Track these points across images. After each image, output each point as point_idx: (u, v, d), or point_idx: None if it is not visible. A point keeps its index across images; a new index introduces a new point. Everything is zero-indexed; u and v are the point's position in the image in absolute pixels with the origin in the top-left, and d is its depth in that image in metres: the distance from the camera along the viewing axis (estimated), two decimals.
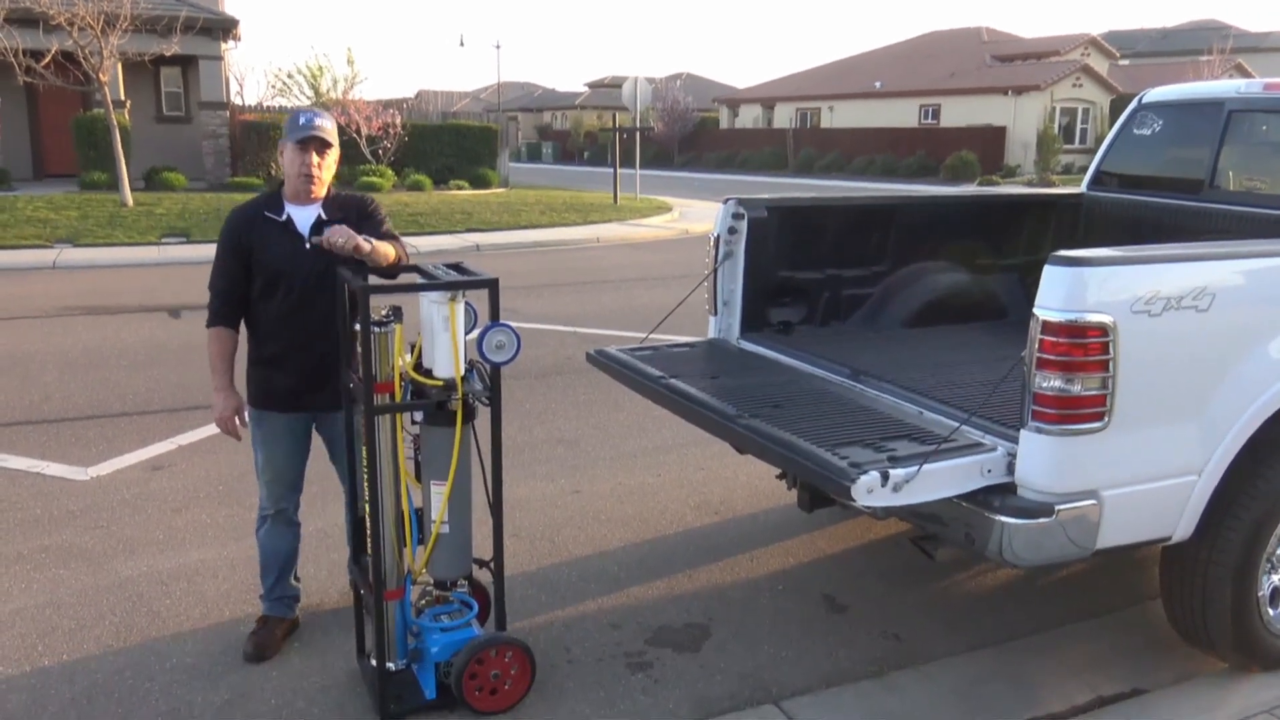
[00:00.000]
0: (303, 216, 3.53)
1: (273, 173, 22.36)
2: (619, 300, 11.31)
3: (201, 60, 22.97)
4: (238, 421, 3.61)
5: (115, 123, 17.93)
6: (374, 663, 3.31)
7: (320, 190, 3.55)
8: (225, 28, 23.23)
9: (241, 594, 4.13)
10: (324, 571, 4.35)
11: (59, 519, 4.89)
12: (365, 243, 3.27)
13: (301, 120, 3.47)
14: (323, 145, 3.47)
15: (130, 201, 17.74)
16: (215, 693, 3.43)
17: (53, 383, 7.37)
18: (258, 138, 22.71)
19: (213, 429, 6.25)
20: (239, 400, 3.62)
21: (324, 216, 3.52)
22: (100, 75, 17.47)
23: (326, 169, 3.52)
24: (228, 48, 24.00)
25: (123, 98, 20.76)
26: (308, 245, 3.47)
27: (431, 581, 3.45)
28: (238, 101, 25.98)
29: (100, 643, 3.75)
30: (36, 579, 4.26)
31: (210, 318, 3.55)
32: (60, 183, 21.47)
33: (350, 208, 3.60)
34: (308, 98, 28.03)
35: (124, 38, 17.51)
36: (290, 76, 28.52)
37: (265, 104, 26.75)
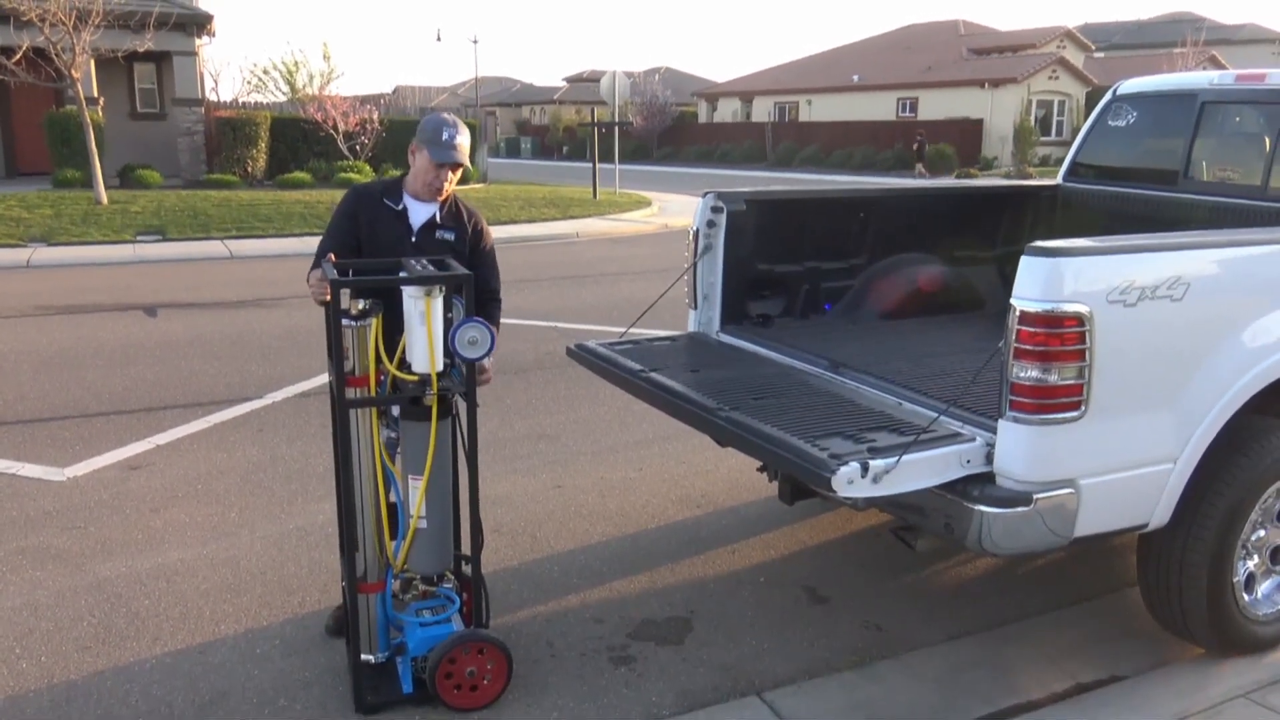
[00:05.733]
0: (419, 211, 3.62)
1: (249, 169, 22.21)
2: (599, 295, 11.29)
3: (175, 56, 22.74)
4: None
5: (89, 120, 17.69)
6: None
7: (443, 196, 3.63)
8: (199, 23, 23.01)
9: (221, 593, 4.11)
10: (304, 569, 4.33)
11: (35, 520, 4.84)
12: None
13: (444, 136, 3.51)
14: (458, 167, 3.56)
15: (104, 199, 17.55)
16: (195, 692, 3.41)
17: (27, 382, 7.29)
18: (233, 134, 22.53)
19: (191, 428, 6.25)
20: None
21: (438, 220, 3.62)
22: (73, 72, 17.25)
23: (453, 182, 3.61)
24: (202, 44, 23.78)
25: (96, 94, 20.49)
26: (412, 239, 3.56)
27: (418, 576, 3.45)
28: (213, 98, 25.86)
29: (78, 644, 3.72)
30: (13, 581, 4.22)
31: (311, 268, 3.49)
32: (33, 181, 21.20)
33: (465, 222, 3.67)
34: (284, 93, 27.86)
35: (96, 34, 17.31)
36: (266, 72, 28.43)
37: (241, 100, 26.61)
